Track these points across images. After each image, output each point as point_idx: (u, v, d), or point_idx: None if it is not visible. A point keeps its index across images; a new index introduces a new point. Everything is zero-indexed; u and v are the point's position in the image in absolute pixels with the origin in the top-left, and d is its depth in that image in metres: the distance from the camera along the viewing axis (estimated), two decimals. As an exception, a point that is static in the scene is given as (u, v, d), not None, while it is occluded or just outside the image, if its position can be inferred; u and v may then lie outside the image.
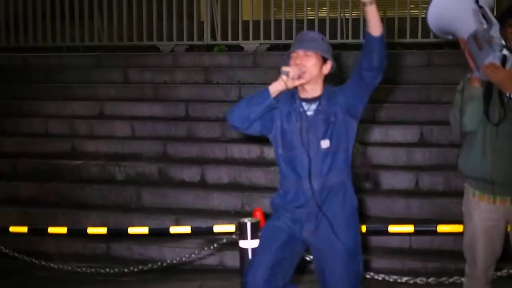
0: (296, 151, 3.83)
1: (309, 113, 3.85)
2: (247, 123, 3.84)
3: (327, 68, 3.86)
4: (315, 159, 3.80)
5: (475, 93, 3.87)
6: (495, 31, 3.73)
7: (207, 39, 9.95)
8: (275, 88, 3.77)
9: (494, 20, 3.77)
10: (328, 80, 3.95)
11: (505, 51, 3.70)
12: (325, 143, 3.80)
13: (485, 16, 3.82)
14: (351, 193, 3.91)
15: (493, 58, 3.71)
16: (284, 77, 3.73)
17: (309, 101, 3.87)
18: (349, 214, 3.86)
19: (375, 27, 3.63)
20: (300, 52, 3.79)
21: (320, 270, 3.90)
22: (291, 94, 3.90)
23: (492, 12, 3.91)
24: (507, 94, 3.76)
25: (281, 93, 3.85)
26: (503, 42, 3.72)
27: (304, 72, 3.75)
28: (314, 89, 3.86)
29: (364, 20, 9.00)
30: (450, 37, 4.15)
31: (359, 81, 3.79)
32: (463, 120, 3.91)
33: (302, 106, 3.86)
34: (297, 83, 3.77)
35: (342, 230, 3.81)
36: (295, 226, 3.87)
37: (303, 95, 3.88)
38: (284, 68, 3.74)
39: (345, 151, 3.86)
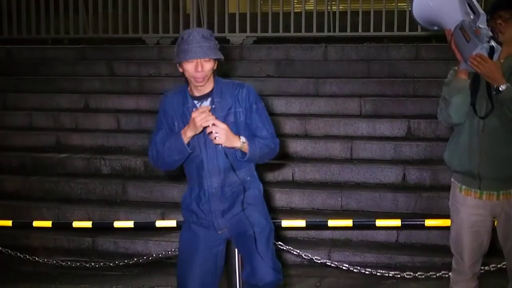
0: (195, 151, 3.84)
1: None
2: (175, 166, 3.94)
3: (216, 63, 3.80)
4: (213, 158, 3.83)
5: (462, 85, 3.83)
6: (482, 22, 3.69)
7: (193, 32, 9.87)
8: (190, 134, 3.70)
9: (481, 11, 3.72)
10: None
11: (492, 42, 3.67)
12: None
13: (471, 7, 3.78)
14: (254, 184, 4.01)
15: (480, 49, 3.67)
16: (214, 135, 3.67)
17: (201, 98, 3.85)
18: (255, 199, 3.98)
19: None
20: (200, 60, 3.68)
21: (244, 253, 4.03)
22: (183, 93, 3.88)
23: (479, 3, 3.87)
24: (495, 87, 3.73)
25: (173, 95, 3.91)
26: (491, 33, 3.69)
27: (205, 76, 3.71)
28: (205, 87, 3.82)
29: (351, 13, 8.94)
30: (436, 28, 4.10)
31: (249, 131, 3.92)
32: (449, 113, 3.88)
33: (194, 105, 3.83)
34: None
35: (253, 214, 3.93)
36: (208, 230, 3.93)
37: (195, 93, 3.84)
38: (206, 123, 3.63)
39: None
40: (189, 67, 3.71)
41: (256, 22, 9.51)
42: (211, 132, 3.65)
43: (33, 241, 6.97)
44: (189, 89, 3.88)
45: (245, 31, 9.54)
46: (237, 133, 3.79)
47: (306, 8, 9.60)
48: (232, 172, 3.87)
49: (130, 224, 6.00)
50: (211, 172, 3.85)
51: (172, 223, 5.86)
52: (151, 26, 9.84)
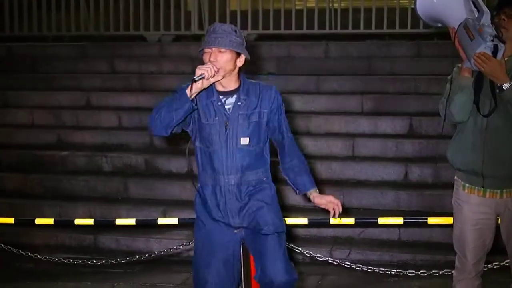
0: (214, 145, 3.82)
1: (227, 106, 3.83)
2: (170, 130, 3.80)
3: (241, 61, 3.82)
4: (232, 155, 3.81)
5: (465, 83, 3.82)
6: (486, 20, 3.69)
7: (195, 29, 9.89)
8: (192, 90, 3.67)
9: (485, 9, 3.72)
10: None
11: (496, 41, 3.66)
12: (244, 140, 3.82)
13: (475, 4, 3.77)
14: (269, 185, 3.97)
15: (484, 48, 3.66)
16: (199, 81, 3.65)
17: (226, 94, 3.85)
18: (270, 199, 3.94)
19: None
20: (214, 49, 3.72)
21: (256, 253, 3.95)
22: (209, 87, 3.82)
23: (483, 0, 3.86)
24: (498, 85, 3.72)
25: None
26: (495, 31, 3.68)
27: (219, 69, 3.70)
28: (229, 83, 3.83)
29: (352, 10, 8.91)
30: (439, 25, 4.09)
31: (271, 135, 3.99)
32: (452, 111, 3.86)
33: (220, 100, 3.83)
34: (212, 81, 3.72)
35: (267, 214, 3.88)
36: (224, 228, 3.87)
37: (220, 88, 3.85)
38: (198, 71, 3.64)
39: (264, 150, 3.93)
40: (204, 57, 3.75)
41: (258, 19, 9.50)
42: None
43: (35, 238, 6.97)
44: (214, 83, 3.83)
45: (247, 29, 9.51)
46: (257, 132, 3.84)
47: (307, 5, 9.59)
48: (250, 171, 3.86)
49: (131, 221, 5.99)
50: (229, 170, 3.81)
51: (173, 220, 5.85)
52: (153, 23, 9.84)
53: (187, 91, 3.66)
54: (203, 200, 3.92)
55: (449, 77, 3.96)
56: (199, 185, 3.96)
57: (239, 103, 3.82)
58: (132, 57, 9.38)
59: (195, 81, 3.63)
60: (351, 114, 7.82)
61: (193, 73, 9.15)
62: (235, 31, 3.79)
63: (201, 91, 3.75)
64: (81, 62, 9.47)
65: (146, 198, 7.31)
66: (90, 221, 6.11)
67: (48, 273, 6.35)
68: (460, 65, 3.91)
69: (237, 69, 3.84)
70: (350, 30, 9.31)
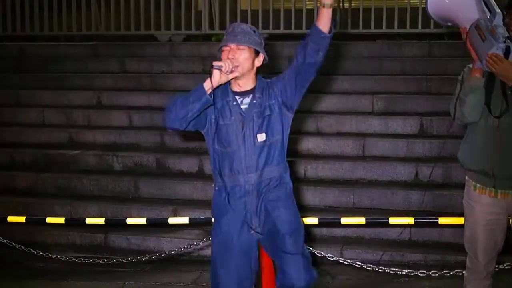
0: (232, 146, 3.82)
1: (243, 106, 3.84)
2: (185, 124, 3.77)
3: (259, 61, 3.85)
4: (251, 154, 3.80)
5: (476, 84, 3.82)
6: (498, 21, 3.68)
7: (205, 29, 9.89)
8: (210, 84, 3.67)
9: (497, 9, 3.71)
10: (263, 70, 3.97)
11: (508, 42, 3.66)
12: (261, 137, 3.81)
13: (487, 5, 3.76)
14: (287, 180, 3.95)
15: (496, 49, 3.66)
16: (216, 72, 3.66)
17: (243, 94, 3.86)
18: (285, 198, 3.92)
19: (326, 26, 3.62)
20: (233, 46, 3.77)
21: (274, 256, 4.00)
22: (224, 87, 3.86)
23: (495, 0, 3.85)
24: (510, 86, 3.71)
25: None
26: (507, 32, 3.67)
27: (237, 66, 3.72)
28: (247, 82, 3.85)
29: (363, 10, 8.94)
30: (450, 24, 4.09)
31: (296, 74, 3.76)
32: (463, 111, 3.86)
33: (236, 100, 3.84)
34: (230, 77, 3.74)
35: (283, 213, 3.88)
36: (241, 229, 3.87)
37: (236, 88, 3.86)
38: (216, 63, 3.66)
39: (281, 144, 3.88)
40: (223, 56, 3.78)
41: (268, 19, 9.50)
42: None
43: (46, 237, 7.00)
44: (230, 83, 3.86)
45: (257, 28, 9.49)
46: (272, 124, 3.82)
47: (318, 5, 9.56)
48: (270, 167, 3.84)
49: (142, 220, 6.01)
50: (249, 169, 3.81)
51: (184, 220, 5.87)
52: (163, 23, 9.85)
53: (205, 83, 3.67)
54: (221, 201, 3.90)
55: (459, 78, 3.96)
56: (216, 188, 3.95)
57: (254, 101, 3.82)
58: (143, 57, 9.41)
59: (212, 67, 3.65)
60: (362, 114, 7.80)
61: (204, 72, 9.20)
62: (254, 31, 3.86)
63: (218, 88, 3.75)
64: (92, 62, 9.51)
65: (157, 197, 7.32)
66: (101, 220, 6.11)
67: (59, 272, 6.37)
68: (470, 65, 3.90)
69: (255, 69, 3.86)
70: (360, 30, 9.30)
